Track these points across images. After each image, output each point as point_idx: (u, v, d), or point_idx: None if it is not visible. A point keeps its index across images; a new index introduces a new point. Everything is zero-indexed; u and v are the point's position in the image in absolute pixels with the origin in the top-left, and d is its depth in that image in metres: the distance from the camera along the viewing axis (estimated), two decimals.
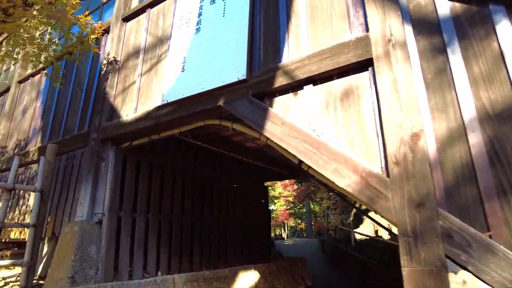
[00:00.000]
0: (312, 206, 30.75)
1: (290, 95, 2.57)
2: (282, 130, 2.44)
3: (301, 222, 33.03)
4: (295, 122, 2.43)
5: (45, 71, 5.91)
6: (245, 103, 2.72)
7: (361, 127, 2.18)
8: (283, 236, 27.04)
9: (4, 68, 7.89)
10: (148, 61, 3.89)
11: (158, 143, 4.42)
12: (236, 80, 2.78)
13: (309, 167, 2.55)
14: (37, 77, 6.15)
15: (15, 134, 5.96)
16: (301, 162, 2.62)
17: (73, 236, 3.43)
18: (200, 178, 5.04)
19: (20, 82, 6.59)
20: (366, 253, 10.92)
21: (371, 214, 12.29)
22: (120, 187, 3.80)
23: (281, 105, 2.60)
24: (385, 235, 11.86)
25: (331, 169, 2.14)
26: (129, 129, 3.59)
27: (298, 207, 31.46)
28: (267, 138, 2.80)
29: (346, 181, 2.06)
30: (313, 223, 28.80)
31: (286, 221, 31.09)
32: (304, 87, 2.50)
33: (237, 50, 2.89)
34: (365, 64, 2.27)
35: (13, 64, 7.41)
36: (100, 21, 4.29)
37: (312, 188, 25.32)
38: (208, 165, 5.25)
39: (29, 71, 6.41)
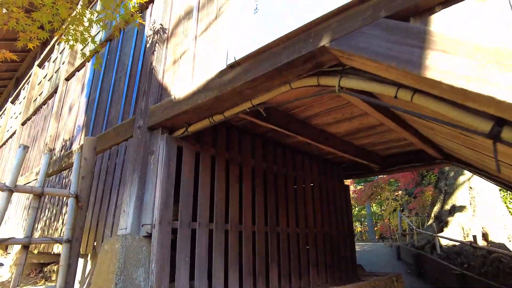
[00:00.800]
0: (373, 208, 28.58)
1: (469, 2, 1.36)
2: (473, 63, 1.23)
3: (360, 225, 30.89)
4: (500, 43, 1.21)
5: (89, 62, 5.28)
6: (373, 32, 1.56)
7: None
8: None
9: (55, 68, 7.54)
10: (204, 18, 2.90)
11: (221, 131, 3.41)
12: None
13: None
14: (82, 70, 5.54)
15: (62, 134, 5.38)
16: None
17: (114, 256, 2.51)
18: (272, 177, 3.95)
19: (67, 79, 6.06)
20: (461, 263, 9.13)
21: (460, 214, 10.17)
22: (175, 189, 2.83)
23: (450, 23, 1.40)
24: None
25: None
26: (184, 107, 2.60)
27: (357, 209, 29.45)
28: (415, 93, 1.62)
29: None
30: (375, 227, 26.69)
31: None
32: None
33: None
34: None
35: (62, 63, 7.01)
36: None
37: (374, 189, 23.35)
38: (279, 160, 4.14)
39: (76, 66, 5.84)
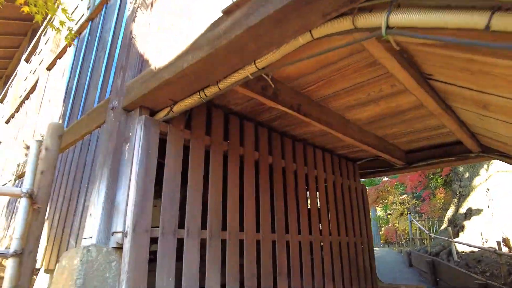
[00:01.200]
0: (376, 212, 27.92)
1: None
2: None
3: None
4: None
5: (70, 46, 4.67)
6: None
7: None
8: None
9: (40, 61, 6.95)
10: None
11: (217, 117, 2.78)
12: None
13: None
14: (63, 57, 4.93)
15: (39, 129, 4.76)
16: None
17: (70, 275, 1.86)
18: (279, 174, 3.30)
19: (48, 68, 5.46)
20: (482, 272, 8.41)
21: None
22: (156, 187, 2.19)
23: None
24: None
25: None
26: (166, 76, 1.96)
27: None
28: None
29: None
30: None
31: None
32: None
33: None
34: None
35: (46, 54, 6.41)
36: None
37: (380, 192, 22.74)
38: (288, 154, 3.49)
39: (57, 53, 5.23)
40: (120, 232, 2.01)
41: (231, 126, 2.89)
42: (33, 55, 7.97)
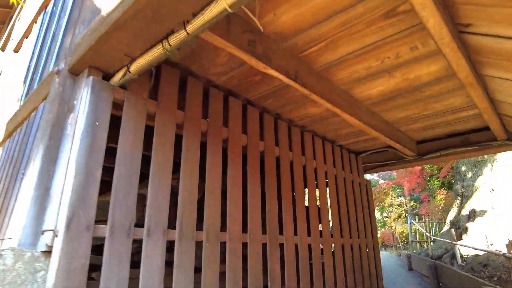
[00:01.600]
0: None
1: None
2: None
3: None
4: None
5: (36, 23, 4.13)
6: None
7: None
8: None
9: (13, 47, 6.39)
10: None
11: (194, 89, 2.24)
12: None
13: None
14: (29, 36, 4.38)
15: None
16: None
17: None
18: (272, 163, 2.77)
19: (15, 50, 4.90)
20: (489, 276, 7.93)
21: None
22: (105, 170, 1.65)
23: None
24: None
25: None
26: (116, 15, 1.43)
27: None
28: None
29: None
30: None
31: None
32: None
33: None
34: None
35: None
36: None
37: (377, 194, 22.43)
38: (283, 140, 2.97)
39: (24, 32, 4.68)
40: (51, 230, 1.46)
41: (212, 101, 2.35)
42: (8, 43, 7.41)
